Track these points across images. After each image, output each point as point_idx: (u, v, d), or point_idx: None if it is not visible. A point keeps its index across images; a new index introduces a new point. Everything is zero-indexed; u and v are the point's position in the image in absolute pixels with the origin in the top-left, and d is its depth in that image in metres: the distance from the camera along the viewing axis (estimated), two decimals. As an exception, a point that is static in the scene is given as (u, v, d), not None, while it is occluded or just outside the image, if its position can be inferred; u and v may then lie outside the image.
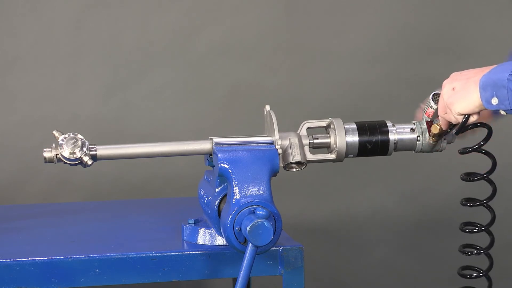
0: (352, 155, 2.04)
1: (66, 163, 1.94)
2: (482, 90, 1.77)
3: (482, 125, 1.92)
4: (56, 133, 1.94)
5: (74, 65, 3.30)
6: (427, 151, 2.06)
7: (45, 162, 1.94)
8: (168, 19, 3.34)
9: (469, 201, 1.99)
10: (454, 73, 1.88)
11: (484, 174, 1.96)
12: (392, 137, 2.04)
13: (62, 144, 1.92)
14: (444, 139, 2.04)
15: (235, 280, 2.15)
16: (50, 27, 3.27)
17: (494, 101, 1.76)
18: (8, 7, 3.25)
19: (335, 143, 2.02)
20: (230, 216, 1.84)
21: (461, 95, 1.82)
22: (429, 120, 2.02)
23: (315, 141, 2.04)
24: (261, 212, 1.82)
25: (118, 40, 3.31)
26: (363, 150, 2.03)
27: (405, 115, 2.23)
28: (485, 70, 1.81)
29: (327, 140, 2.04)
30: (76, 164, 1.95)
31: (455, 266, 2.07)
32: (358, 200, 3.50)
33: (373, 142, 2.03)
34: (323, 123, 2.07)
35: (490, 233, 1.99)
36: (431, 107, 1.99)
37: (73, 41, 3.29)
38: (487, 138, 1.94)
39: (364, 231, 3.52)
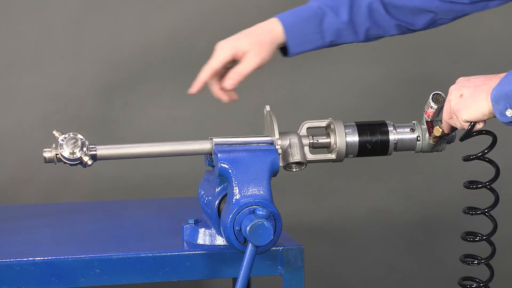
0: (352, 155, 2.04)
1: (66, 163, 1.94)
2: (495, 103, 1.76)
3: (488, 132, 1.90)
4: (56, 133, 1.94)
5: (74, 65, 3.30)
6: (427, 151, 2.06)
7: (45, 162, 1.94)
8: (168, 19, 3.33)
9: (471, 210, 1.98)
10: (460, 78, 1.87)
11: (486, 183, 1.95)
12: (392, 137, 2.03)
13: (62, 144, 1.92)
14: (444, 140, 2.04)
15: (235, 280, 2.15)
16: (50, 27, 3.27)
17: (509, 112, 1.75)
18: (8, 7, 3.25)
19: (335, 143, 2.02)
20: (230, 216, 1.84)
21: (469, 102, 1.81)
22: (429, 120, 2.02)
23: (315, 141, 2.04)
24: (261, 212, 1.82)
25: (118, 40, 3.31)
26: (363, 150, 2.03)
27: (405, 115, 2.23)
28: (493, 78, 1.80)
29: (327, 140, 2.04)
30: (76, 164, 1.95)
31: (455, 266, 2.07)
32: (358, 200, 3.50)
33: (373, 142, 2.03)
34: (323, 123, 2.06)
35: (491, 243, 1.98)
36: (431, 107, 1.99)
37: (73, 41, 3.29)
38: (491, 146, 1.92)
39: (364, 231, 3.52)
